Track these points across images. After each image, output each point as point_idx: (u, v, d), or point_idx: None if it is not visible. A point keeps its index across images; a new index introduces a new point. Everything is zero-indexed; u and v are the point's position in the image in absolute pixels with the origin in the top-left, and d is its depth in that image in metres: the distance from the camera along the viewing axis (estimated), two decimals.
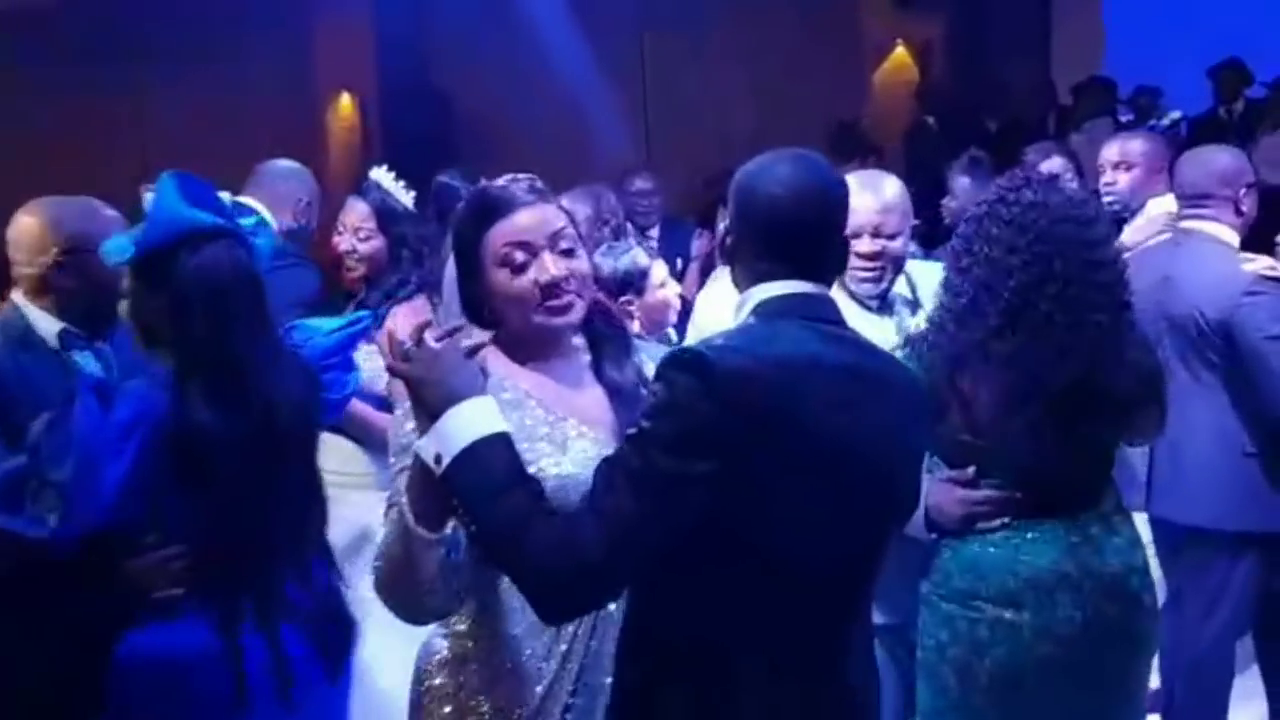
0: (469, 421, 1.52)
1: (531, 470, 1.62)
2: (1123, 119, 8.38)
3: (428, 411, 1.55)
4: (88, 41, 8.94)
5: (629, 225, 5.40)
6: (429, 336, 1.59)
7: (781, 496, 1.52)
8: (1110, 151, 3.78)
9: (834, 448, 1.54)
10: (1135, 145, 3.78)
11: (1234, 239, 3.10)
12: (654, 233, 5.44)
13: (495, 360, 1.75)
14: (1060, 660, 2.14)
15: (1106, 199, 3.69)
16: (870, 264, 2.55)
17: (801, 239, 1.64)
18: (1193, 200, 3.14)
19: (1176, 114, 8.43)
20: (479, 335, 1.74)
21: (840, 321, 1.67)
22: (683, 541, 1.50)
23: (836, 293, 2.60)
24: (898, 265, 2.63)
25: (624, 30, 9.42)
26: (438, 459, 1.51)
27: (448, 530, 1.61)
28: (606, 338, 1.84)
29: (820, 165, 1.70)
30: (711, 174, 7.39)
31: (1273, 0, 9.13)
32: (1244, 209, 3.12)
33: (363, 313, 2.54)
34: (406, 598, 1.66)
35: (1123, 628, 2.21)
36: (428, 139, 9.77)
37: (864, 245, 2.52)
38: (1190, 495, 3.01)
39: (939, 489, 2.25)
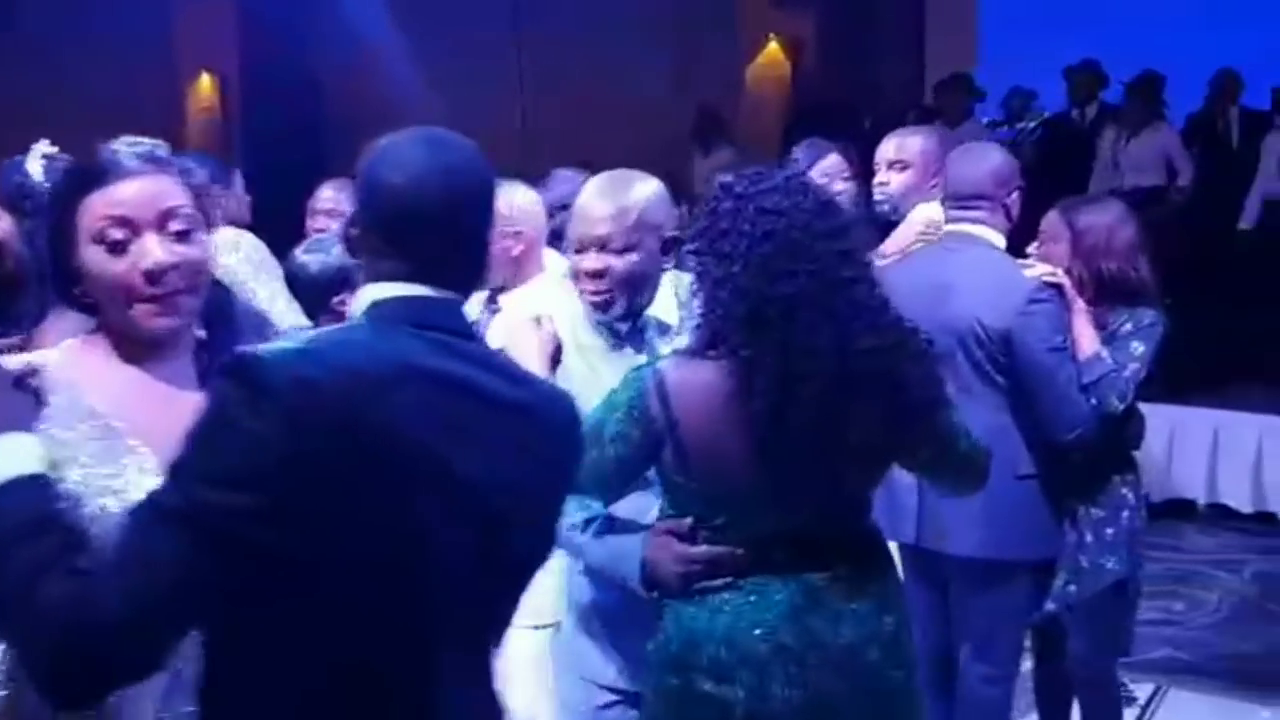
0: None
1: (90, 509, 1.39)
2: (984, 120, 8.35)
3: None
4: None
5: None
6: None
7: (359, 524, 1.28)
8: (887, 148, 3.46)
9: (428, 471, 1.31)
10: (913, 143, 3.43)
11: (1003, 244, 2.83)
12: None
13: (82, 362, 1.51)
14: None
15: (877, 199, 3.43)
16: (594, 284, 2.18)
17: (425, 236, 1.38)
18: (965, 201, 2.83)
19: (1047, 114, 8.42)
20: (51, 347, 1.50)
21: (465, 334, 1.42)
22: (244, 580, 1.25)
23: (578, 318, 2.25)
24: (632, 286, 2.20)
25: (501, 16, 9.16)
26: None
27: None
28: (222, 334, 1.60)
29: (457, 148, 1.43)
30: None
31: (1141, 4, 9.17)
32: (1013, 214, 2.86)
33: None
34: None
35: (855, 706, 1.89)
36: (295, 123, 9.44)
37: (587, 262, 2.18)
38: (961, 523, 2.73)
39: (656, 544, 1.95)
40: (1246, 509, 5.31)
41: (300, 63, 9.95)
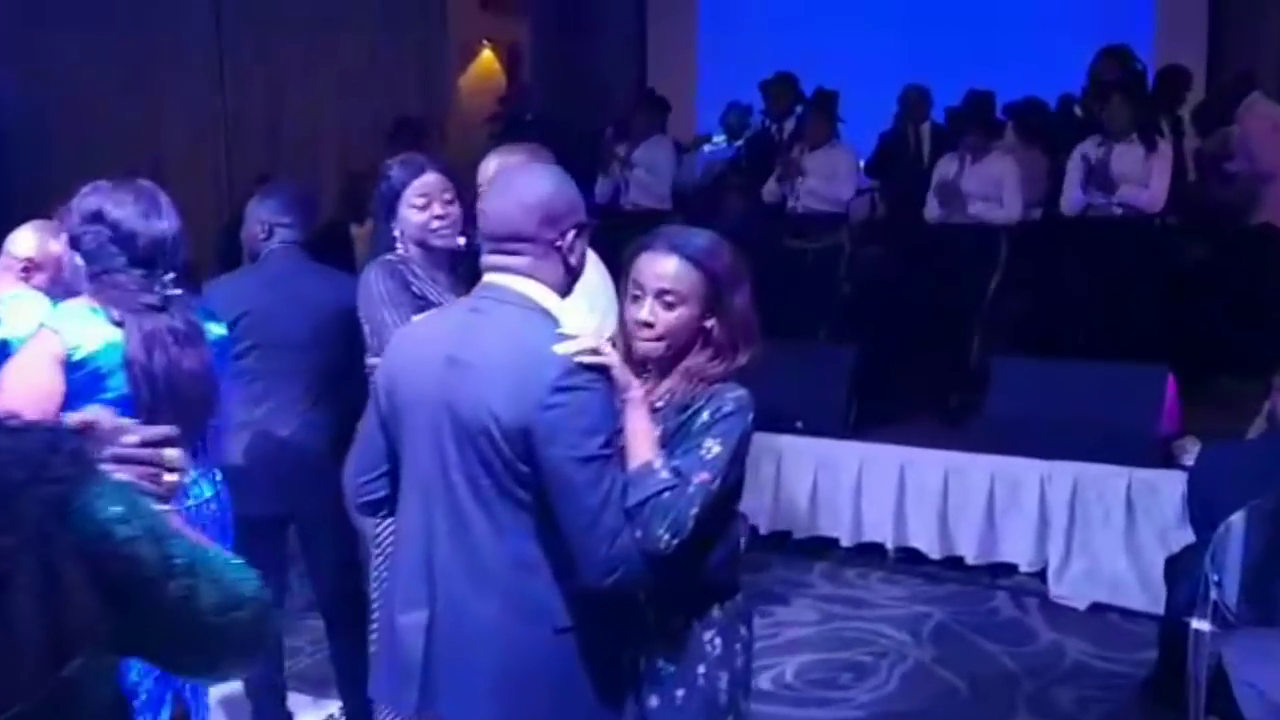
0: None
1: None
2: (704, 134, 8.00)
3: None
4: None
5: None
6: None
7: None
8: (487, 167, 2.92)
9: None
10: (516, 161, 2.80)
11: (553, 303, 2.06)
12: None
13: None
14: None
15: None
16: None
17: None
18: (501, 243, 2.07)
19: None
20: None
21: None
22: None
23: None
24: None
25: (197, 15, 8.20)
26: None
27: None
28: None
29: None
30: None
31: (844, 15, 9.04)
32: (573, 261, 2.08)
33: None
34: None
35: None
36: None
37: None
38: (475, 690, 2.01)
39: None
40: (935, 554, 5.00)
41: None
